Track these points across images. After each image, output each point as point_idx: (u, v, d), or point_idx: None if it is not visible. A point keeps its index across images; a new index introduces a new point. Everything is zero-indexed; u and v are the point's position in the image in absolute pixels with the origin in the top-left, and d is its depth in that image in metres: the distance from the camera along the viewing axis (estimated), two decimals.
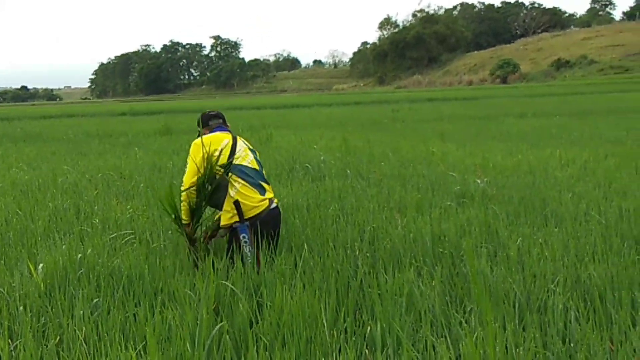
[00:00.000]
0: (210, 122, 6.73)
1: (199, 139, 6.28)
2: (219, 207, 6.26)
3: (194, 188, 6.12)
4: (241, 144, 6.44)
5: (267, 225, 6.18)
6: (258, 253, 5.99)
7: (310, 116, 35.44)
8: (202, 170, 6.06)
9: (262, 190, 6.30)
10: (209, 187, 6.12)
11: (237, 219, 6.11)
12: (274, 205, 6.37)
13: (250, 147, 6.62)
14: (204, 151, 6.08)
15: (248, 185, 6.20)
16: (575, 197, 8.57)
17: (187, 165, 6.23)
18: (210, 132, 6.56)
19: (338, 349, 4.18)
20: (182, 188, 6.21)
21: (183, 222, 6.30)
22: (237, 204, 6.09)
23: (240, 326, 4.49)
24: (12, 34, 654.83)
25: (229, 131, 6.63)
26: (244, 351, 4.21)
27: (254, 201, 6.18)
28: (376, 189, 9.70)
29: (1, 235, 7.56)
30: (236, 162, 6.24)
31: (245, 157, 6.35)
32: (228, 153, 6.22)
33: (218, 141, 6.29)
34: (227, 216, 6.15)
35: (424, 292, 4.97)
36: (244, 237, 6.04)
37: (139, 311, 4.79)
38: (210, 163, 6.07)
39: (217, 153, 6.16)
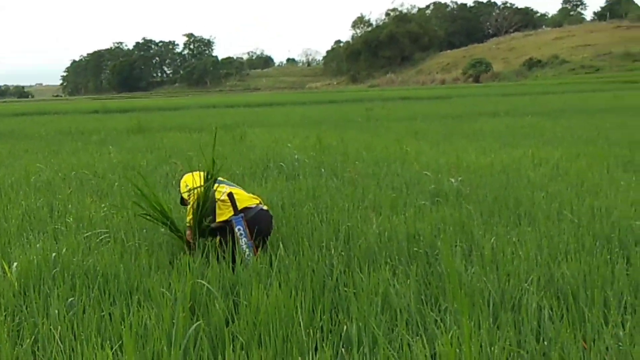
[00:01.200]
0: None
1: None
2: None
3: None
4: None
5: (260, 223, 6.19)
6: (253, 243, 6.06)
7: (284, 114, 35.42)
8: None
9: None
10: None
11: (231, 212, 6.14)
12: (265, 207, 6.41)
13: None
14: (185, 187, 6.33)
15: (237, 187, 6.34)
16: (548, 197, 8.64)
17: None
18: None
19: (314, 348, 4.19)
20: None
21: (186, 224, 6.38)
22: (230, 196, 6.16)
23: (217, 325, 4.49)
24: None
25: None
26: (221, 350, 4.21)
27: (245, 197, 6.25)
28: (351, 188, 9.71)
29: None
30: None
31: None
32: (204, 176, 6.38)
33: (198, 175, 6.52)
34: (223, 217, 6.20)
35: (399, 291, 4.99)
36: (239, 230, 6.04)
37: (114, 310, 4.77)
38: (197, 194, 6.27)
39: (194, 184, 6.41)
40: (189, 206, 6.38)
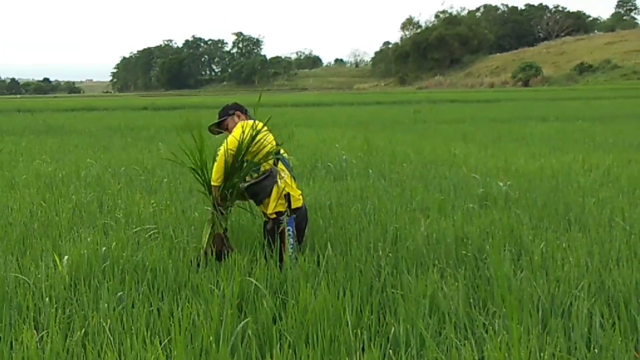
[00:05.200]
0: (244, 109, 6.78)
1: (247, 122, 6.32)
2: (261, 194, 6.23)
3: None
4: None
5: (303, 220, 6.26)
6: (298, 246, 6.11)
7: (331, 115, 35.44)
8: (243, 146, 6.03)
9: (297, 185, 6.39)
10: (244, 166, 6.13)
11: (283, 208, 6.15)
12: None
13: None
14: (250, 132, 6.09)
15: (292, 178, 6.28)
16: (599, 203, 8.52)
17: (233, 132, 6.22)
18: (249, 119, 6.56)
19: (362, 348, 4.19)
20: (226, 147, 6.10)
21: (213, 183, 6.20)
22: (287, 196, 6.17)
23: (265, 323, 4.50)
24: (35, 27, 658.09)
25: None
26: (268, 348, 4.22)
27: (297, 194, 6.28)
28: (398, 190, 9.69)
29: (26, 227, 7.62)
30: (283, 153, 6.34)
31: (282, 150, 6.44)
32: (274, 142, 6.25)
33: (264, 130, 6.30)
34: (273, 205, 6.17)
35: (447, 294, 4.96)
36: (289, 230, 6.09)
37: (163, 305, 4.82)
38: (257, 145, 6.13)
39: (266, 141, 6.22)
40: (215, 166, 6.17)
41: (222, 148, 6.08)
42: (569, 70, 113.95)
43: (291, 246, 6.05)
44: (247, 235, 6.73)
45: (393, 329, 4.36)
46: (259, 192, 6.24)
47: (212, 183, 6.19)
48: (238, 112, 6.71)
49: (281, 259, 5.82)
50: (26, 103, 64.96)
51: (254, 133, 6.08)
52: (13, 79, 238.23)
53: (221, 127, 6.76)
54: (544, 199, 8.74)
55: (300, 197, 6.34)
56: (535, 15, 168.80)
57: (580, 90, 76.45)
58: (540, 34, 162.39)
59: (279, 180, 6.17)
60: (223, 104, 7.09)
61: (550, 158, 13.59)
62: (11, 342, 4.34)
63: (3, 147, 17.30)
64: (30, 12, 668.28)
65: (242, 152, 6.05)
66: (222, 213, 6.22)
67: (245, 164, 6.14)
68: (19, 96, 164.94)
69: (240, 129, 6.12)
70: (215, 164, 6.13)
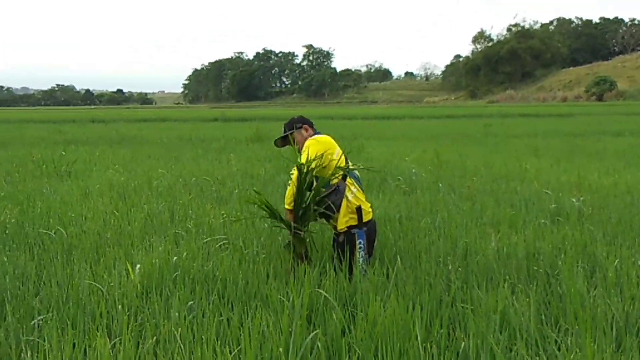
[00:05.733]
0: (311, 122, 6.75)
1: (315, 137, 6.32)
2: (331, 209, 6.13)
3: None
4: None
5: (372, 232, 6.24)
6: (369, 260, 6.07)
7: (401, 128, 35.39)
8: (313, 165, 6.00)
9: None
10: (314, 184, 6.12)
11: (354, 222, 6.12)
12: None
13: None
14: (318, 147, 6.11)
15: (362, 191, 6.26)
16: None
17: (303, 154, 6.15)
18: (315, 133, 6.58)
19: None
20: (292, 178, 6.05)
21: (286, 207, 6.17)
22: (359, 209, 6.13)
23: (333, 335, 4.49)
24: (111, 39, 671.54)
25: None
26: None
27: (367, 207, 6.25)
28: (468, 204, 9.62)
29: (100, 235, 7.75)
30: (351, 167, 6.30)
31: (352, 165, 6.42)
32: (344, 158, 6.24)
33: (333, 144, 6.32)
34: (344, 220, 6.13)
35: (519, 309, 4.90)
36: (359, 243, 6.07)
37: (233, 315, 4.85)
38: (326, 163, 6.12)
39: (335, 155, 6.22)
40: (288, 191, 6.13)
41: (294, 172, 6.03)
42: None
43: (362, 259, 6.03)
44: (317, 248, 6.73)
45: (463, 343, 4.32)
46: (327, 208, 6.15)
47: (286, 207, 6.18)
48: (305, 126, 6.67)
49: (351, 272, 5.82)
50: (100, 113, 66.29)
51: (321, 149, 6.11)
52: (87, 90, 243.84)
53: (286, 140, 6.72)
54: (618, 215, 8.58)
55: (371, 209, 6.32)
56: (610, 28, 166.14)
57: None
58: (616, 48, 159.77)
59: (348, 195, 6.15)
60: (293, 115, 7.09)
61: (624, 174, 13.33)
62: (85, 349, 4.42)
63: (78, 156, 17.65)
64: (106, 23, 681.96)
65: (310, 169, 6.00)
66: (299, 234, 6.16)
67: (314, 182, 6.15)
68: (93, 107, 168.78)
69: (306, 152, 6.11)
70: (289, 188, 6.11)
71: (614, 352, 4.21)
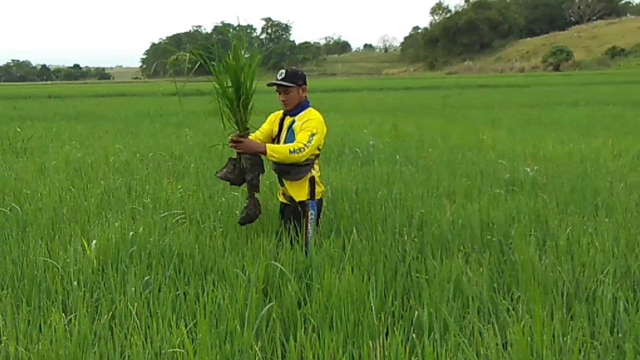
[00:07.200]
0: None
1: (316, 111, 6.24)
2: (289, 176, 6.13)
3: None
4: None
5: (322, 205, 6.31)
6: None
7: (359, 100, 35.45)
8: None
9: None
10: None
11: (311, 194, 6.13)
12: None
13: None
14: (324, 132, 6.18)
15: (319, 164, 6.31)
16: (627, 188, 8.47)
17: (314, 137, 5.97)
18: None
19: (385, 332, 4.20)
20: (306, 150, 5.88)
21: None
22: (312, 181, 6.13)
23: (289, 307, 4.53)
24: (66, 14, 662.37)
25: None
26: (293, 332, 4.25)
27: (322, 182, 6.30)
28: (425, 175, 9.69)
29: (55, 211, 7.70)
30: None
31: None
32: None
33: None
34: (304, 192, 6.13)
35: (472, 278, 4.96)
36: (311, 214, 6.09)
37: (189, 289, 4.86)
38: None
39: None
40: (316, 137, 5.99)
41: (320, 126, 6.07)
42: (600, 54, 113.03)
43: (311, 229, 6.05)
44: (273, 220, 6.75)
45: (417, 313, 4.38)
46: (290, 171, 6.09)
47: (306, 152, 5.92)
48: (305, 87, 6.29)
49: (306, 244, 5.84)
50: (56, 89, 65.47)
51: (324, 131, 6.19)
52: (44, 66, 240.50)
53: (281, 89, 6.30)
54: (571, 184, 8.70)
55: (323, 185, 6.37)
56: None
57: (611, 74, 75.85)
58: (572, 18, 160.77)
59: (313, 170, 6.16)
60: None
61: (579, 143, 13.49)
62: (40, 325, 4.41)
63: (34, 132, 17.47)
64: None
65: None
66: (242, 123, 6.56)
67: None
68: (49, 82, 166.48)
69: (315, 130, 6.02)
70: (316, 137, 5.97)
71: (563, 318, 4.29)
